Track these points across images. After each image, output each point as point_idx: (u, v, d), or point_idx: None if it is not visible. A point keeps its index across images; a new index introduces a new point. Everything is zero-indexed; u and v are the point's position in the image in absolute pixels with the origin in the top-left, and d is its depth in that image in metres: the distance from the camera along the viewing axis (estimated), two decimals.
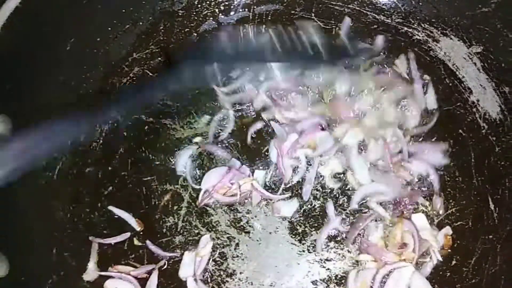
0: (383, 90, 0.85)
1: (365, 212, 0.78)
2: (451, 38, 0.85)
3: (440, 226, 0.76)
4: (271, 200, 0.80)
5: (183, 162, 0.84)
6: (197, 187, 0.82)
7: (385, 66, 0.87)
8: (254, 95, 0.87)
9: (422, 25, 0.88)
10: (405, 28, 0.89)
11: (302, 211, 0.79)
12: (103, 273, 0.74)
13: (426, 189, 0.79)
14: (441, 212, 0.77)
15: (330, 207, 0.79)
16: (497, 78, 0.80)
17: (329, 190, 0.81)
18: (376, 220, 0.77)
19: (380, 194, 0.78)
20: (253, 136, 0.85)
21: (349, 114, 0.84)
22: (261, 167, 0.83)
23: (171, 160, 0.84)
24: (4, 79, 0.69)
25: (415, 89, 0.85)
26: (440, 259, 0.73)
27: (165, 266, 0.76)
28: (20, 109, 0.72)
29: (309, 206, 0.80)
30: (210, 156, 0.84)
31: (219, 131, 0.86)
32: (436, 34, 0.87)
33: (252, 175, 0.82)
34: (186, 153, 0.84)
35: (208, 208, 0.81)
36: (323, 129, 0.83)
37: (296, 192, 0.81)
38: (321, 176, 0.81)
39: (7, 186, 0.53)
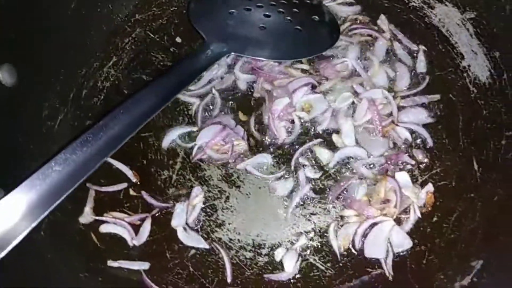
0: (367, 48, 0.88)
1: (350, 171, 0.80)
2: (445, 5, 0.86)
3: (423, 185, 0.77)
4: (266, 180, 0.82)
5: (169, 139, 0.86)
6: (190, 145, 0.85)
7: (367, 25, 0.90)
8: (234, 80, 0.88)
9: None
10: None
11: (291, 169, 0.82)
12: (98, 218, 0.78)
13: (412, 149, 0.80)
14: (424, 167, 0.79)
15: (301, 175, 0.80)
16: (489, 43, 0.81)
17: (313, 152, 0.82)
18: (360, 178, 0.79)
19: (363, 156, 0.80)
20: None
21: (335, 74, 0.86)
22: (256, 129, 0.85)
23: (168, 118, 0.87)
24: (8, 30, 0.73)
25: (395, 47, 0.87)
26: (420, 215, 0.75)
27: (158, 215, 0.80)
28: (24, 60, 0.76)
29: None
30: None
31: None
32: (431, 0, 0.88)
33: (247, 137, 0.84)
34: (174, 133, 0.86)
35: (201, 163, 0.84)
36: (313, 87, 0.85)
37: (291, 172, 0.82)
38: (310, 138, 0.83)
39: None
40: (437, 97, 0.83)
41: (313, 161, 0.82)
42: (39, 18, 0.78)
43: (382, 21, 0.91)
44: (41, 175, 0.58)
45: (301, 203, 0.79)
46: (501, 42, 0.79)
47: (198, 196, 0.81)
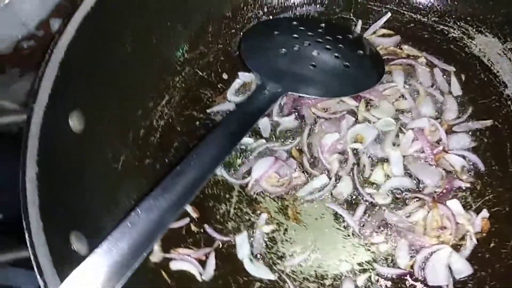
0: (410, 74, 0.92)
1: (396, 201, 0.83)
2: (486, 35, 0.90)
3: (477, 212, 0.80)
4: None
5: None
6: (245, 180, 0.88)
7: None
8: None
9: (458, 23, 0.93)
10: (441, 26, 0.94)
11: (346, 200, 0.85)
12: (167, 255, 0.81)
13: (466, 177, 0.84)
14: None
15: (360, 210, 0.83)
16: None
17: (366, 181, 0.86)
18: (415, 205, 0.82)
19: (412, 186, 0.84)
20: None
21: (382, 97, 0.90)
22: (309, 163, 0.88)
23: None
24: (78, 77, 0.76)
25: (434, 73, 0.92)
26: (476, 242, 0.78)
27: (220, 248, 0.83)
28: (90, 106, 0.79)
29: (352, 196, 0.85)
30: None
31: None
32: (471, 31, 0.92)
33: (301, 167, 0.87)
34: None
35: (257, 196, 0.87)
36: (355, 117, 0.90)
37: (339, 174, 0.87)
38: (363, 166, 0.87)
39: None
40: (489, 122, 0.86)
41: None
42: (102, 66, 0.81)
43: (407, 49, 0.95)
44: (129, 223, 0.62)
45: (358, 233, 0.82)
46: None
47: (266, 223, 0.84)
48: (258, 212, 0.86)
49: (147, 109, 0.93)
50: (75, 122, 0.76)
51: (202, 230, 0.85)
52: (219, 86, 0.97)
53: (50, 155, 0.69)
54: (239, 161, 0.90)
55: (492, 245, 0.78)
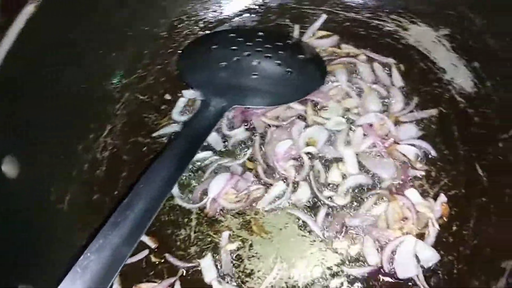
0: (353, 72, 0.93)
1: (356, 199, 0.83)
2: (418, 25, 0.92)
3: (435, 198, 0.81)
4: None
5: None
6: (202, 203, 0.84)
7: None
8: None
9: (391, 16, 0.95)
10: (375, 22, 0.96)
11: (307, 205, 0.83)
12: None
13: (420, 165, 0.84)
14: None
15: (321, 214, 0.81)
16: (467, 56, 0.88)
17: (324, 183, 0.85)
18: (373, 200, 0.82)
19: (368, 183, 0.83)
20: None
21: (328, 98, 0.90)
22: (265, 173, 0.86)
23: None
24: (3, 119, 0.71)
25: (375, 68, 0.93)
26: (438, 227, 0.78)
27: (185, 276, 0.79)
28: (24, 148, 0.74)
29: (312, 200, 0.84)
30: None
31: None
32: (404, 23, 0.94)
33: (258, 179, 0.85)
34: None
35: (217, 216, 0.84)
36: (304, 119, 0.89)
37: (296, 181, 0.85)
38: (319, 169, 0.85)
39: None
40: (434, 111, 0.88)
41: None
42: (33, 104, 0.77)
43: (346, 47, 0.96)
44: (79, 268, 0.57)
45: (323, 237, 0.80)
46: (478, 53, 0.86)
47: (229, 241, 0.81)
48: (220, 231, 0.82)
49: (88, 142, 0.88)
50: (8, 168, 0.71)
51: (163, 260, 0.80)
52: (162, 108, 0.94)
53: None
54: (193, 182, 0.87)
55: (454, 228, 0.79)
